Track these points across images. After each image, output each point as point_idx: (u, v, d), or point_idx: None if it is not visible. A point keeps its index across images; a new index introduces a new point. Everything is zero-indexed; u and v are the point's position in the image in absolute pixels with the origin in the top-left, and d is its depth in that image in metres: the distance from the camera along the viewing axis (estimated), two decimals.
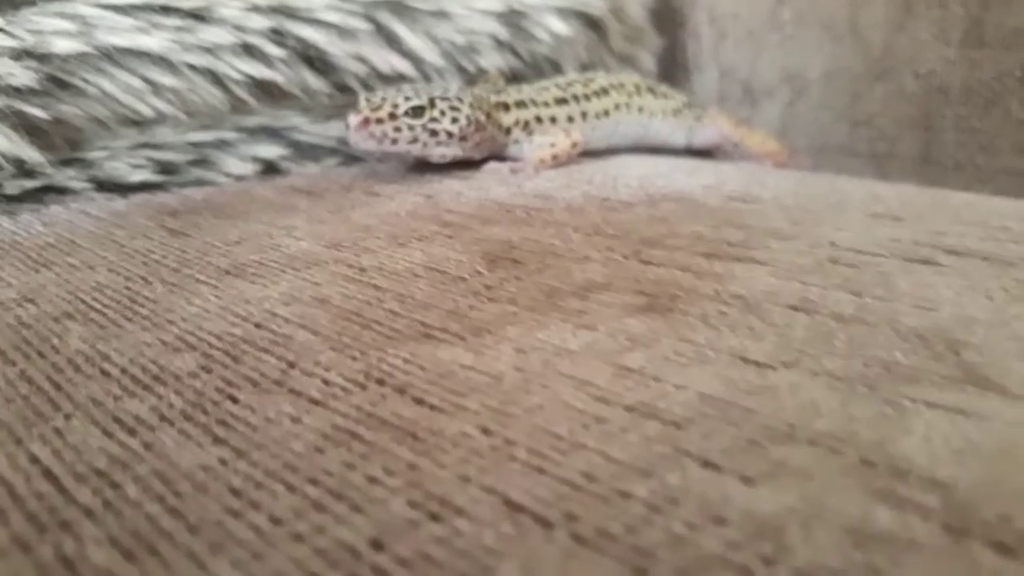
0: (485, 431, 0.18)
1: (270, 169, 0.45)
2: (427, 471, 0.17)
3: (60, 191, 0.41)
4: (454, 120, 0.43)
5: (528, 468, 0.17)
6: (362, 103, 0.41)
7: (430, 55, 0.46)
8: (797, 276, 0.28)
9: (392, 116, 0.41)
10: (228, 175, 0.43)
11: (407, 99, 0.42)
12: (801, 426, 0.18)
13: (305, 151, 0.45)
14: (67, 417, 0.20)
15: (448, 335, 0.24)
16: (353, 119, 0.40)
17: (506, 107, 0.46)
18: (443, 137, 0.43)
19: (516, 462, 0.17)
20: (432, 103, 0.42)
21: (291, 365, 0.22)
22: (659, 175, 0.43)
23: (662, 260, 0.30)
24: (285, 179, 0.44)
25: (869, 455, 0.17)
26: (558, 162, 0.46)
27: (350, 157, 0.47)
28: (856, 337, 0.23)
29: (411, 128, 0.42)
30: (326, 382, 0.21)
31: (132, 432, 0.19)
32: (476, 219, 0.35)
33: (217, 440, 0.18)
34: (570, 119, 0.47)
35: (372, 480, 0.17)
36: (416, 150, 0.43)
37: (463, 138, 0.43)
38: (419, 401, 0.20)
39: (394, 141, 0.42)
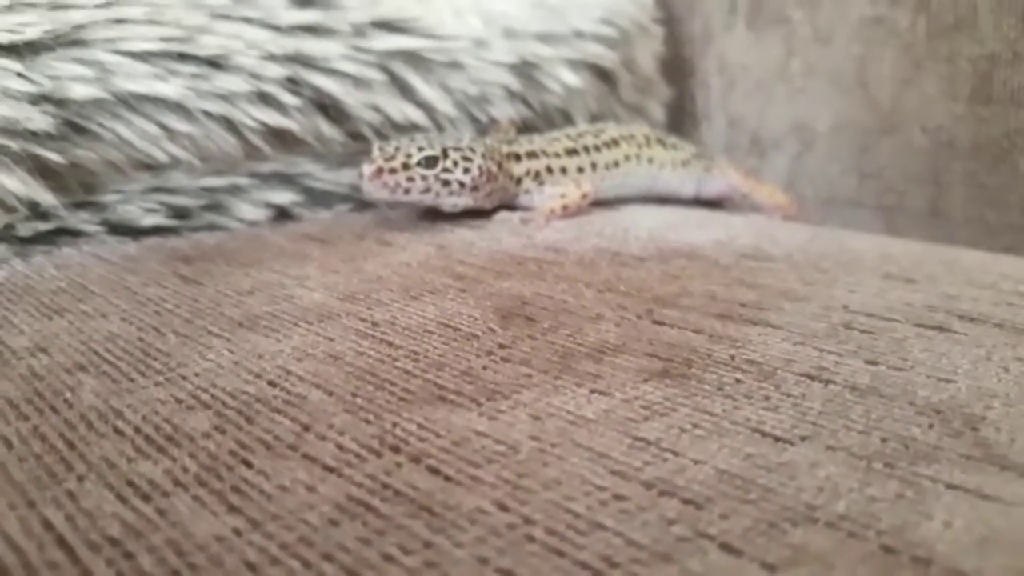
0: (502, 507, 0.18)
1: (282, 215, 0.45)
2: (444, 550, 0.17)
3: (73, 234, 0.41)
4: (466, 170, 0.43)
5: (546, 550, 0.16)
6: (375, 153, 0.42)
7: (443, 105, 0.47)
8: (811, 342, 0.28)
9: (405, 166, 0.41)
10: (241, 220, 0.43)
11: (420, 149, 0.42)
12: (821, 507, 0.18)
13: (318, 198, 0.46)
14: (80, 479, 0.20)
15: (462, 398, 0.24)
16: (367, 169, 0.41)
17: (517, 157, 0.46)
18: (455, 187, 0.43)
19: (534, 543, 0.17)
20: (445, 153, 0.42)
21: (305, 428, 0.22)
22: (669, 227, 0.43)
23: (675, 321, 0.30)
24: (297, 225, 0.44)
25: (890, 542, 0.17)
26: (568, 212, 0.46)
27: (362, 203, 0.47)
28: (872, 410, 0.23)
29: (424, 178, 0.42)
30: (340, 447, 0.21)
31: (146, 498, 0.19)
32: (488, 272, 0.36)
33: (232, 509, 0.18)
34: (580, 170, 0.48)
35: (388, 558, 0.16)
36: (428, 199, 0.43)
37: (475, 188, 0.43)
38: (434, 471, 0.20)
39: (407, 191, 0.42)
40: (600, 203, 0.49)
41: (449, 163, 0.42)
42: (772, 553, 0.16)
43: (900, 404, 0.23)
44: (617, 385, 0.24)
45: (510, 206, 0.46)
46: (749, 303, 0.31)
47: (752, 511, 0.18)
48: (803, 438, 0.21)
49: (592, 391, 0.24)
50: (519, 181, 0.46)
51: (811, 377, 0.25)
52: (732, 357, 0.27)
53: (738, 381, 0.25)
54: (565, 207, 0.46)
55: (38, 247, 0.40)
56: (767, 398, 0.24)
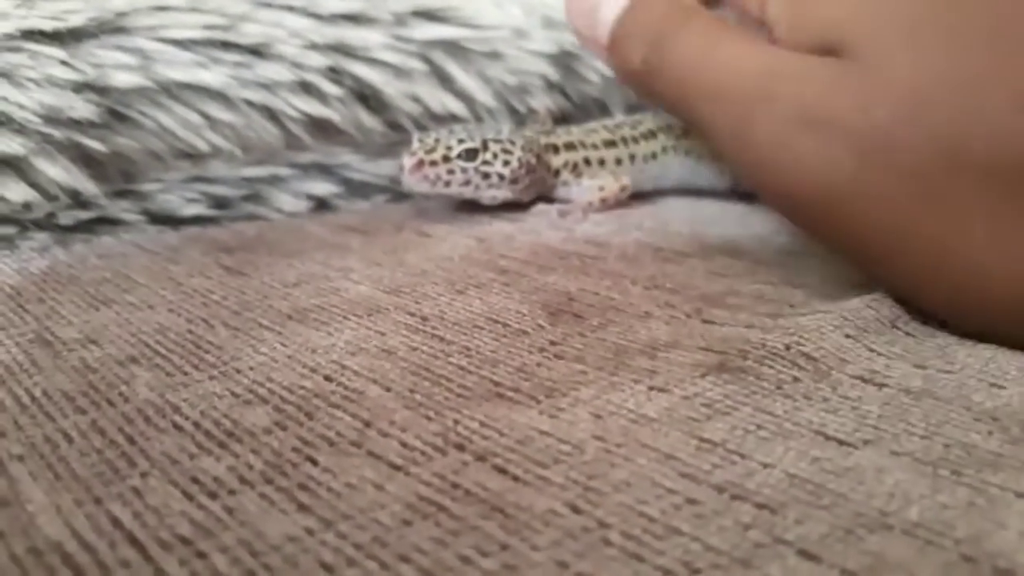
0: (575, 509, 0.18)
1: (321, 205, 0.45)
2: (521, 553, 0.16)
3: (113, 223, 0.41)
4: (506, 163, 0.43)
5: (625, 554, 0.16)
6: (416, 145, 0.42)
7: (482, 95, 0.46)
8: (862, 339, 0.27)
9: (446, 159, 0.41)
10: (280, 211, 0.43)
11: (460, 141, 0.42)
12: (894, 514, 0.18)
13: (356, 188, 0.45)
14: (143, 475, 0.20)
15: (520, 395, 0.23)
16: (407, 161, 0.41)
17: (555, 149, 0.46)
18: (495, 180, 0.43)
19: (612, 547, 0.17)
20: (485, 146, 0.42)
21: (367, 424, 0.22)
22: (709, 222, 0.43)
23: (725, 320, 0.29)
24: (336, 216, 0.44)
25: (969, 551, 0.17)
26: (607, 205, 0.46)
27: (399, 194, 0.47)
28: (930, 415, 0.22)
29: (464, 171, 0.42)
30: (404, 445, 0.21)
31: (213, 495, 0.19)
32: (531, 266, 0.35)
33: (302, 507, 0.18)
34: (618, 162, 0.47)
35: (465, 560, 0.16)
36: (468, 192, 0.43)
37: (514, 181, 0.43)
38: (502, 471, 0.19)
39: (447, 183, 0.42)
40: (637, 195, 0.48)
41: (489, 155, 0.42)
42: (851, 560, 0.16)
43: (956, 409, 0.23)
44: (675, 381, 0.24)
45: (547, 198, 0.46)
46: (797, 303, 0.31)
47: (826, 517, 0.18)
48: (866, 442, 0.21)
49: (651, 388, 0.24)
50: (557, 173, 0.46)
51: (864, 380, 0.25)
52: (787, 347, 0.26)
53: (796, 379, 0.24)
54: (604, 200, 0.46)
55: (78, 235, 0.40)
56: (826, 399, 0.23)
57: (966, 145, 0.26)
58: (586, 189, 0.46)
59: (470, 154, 0.42)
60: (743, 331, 0.28)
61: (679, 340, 0.27)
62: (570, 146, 0.46)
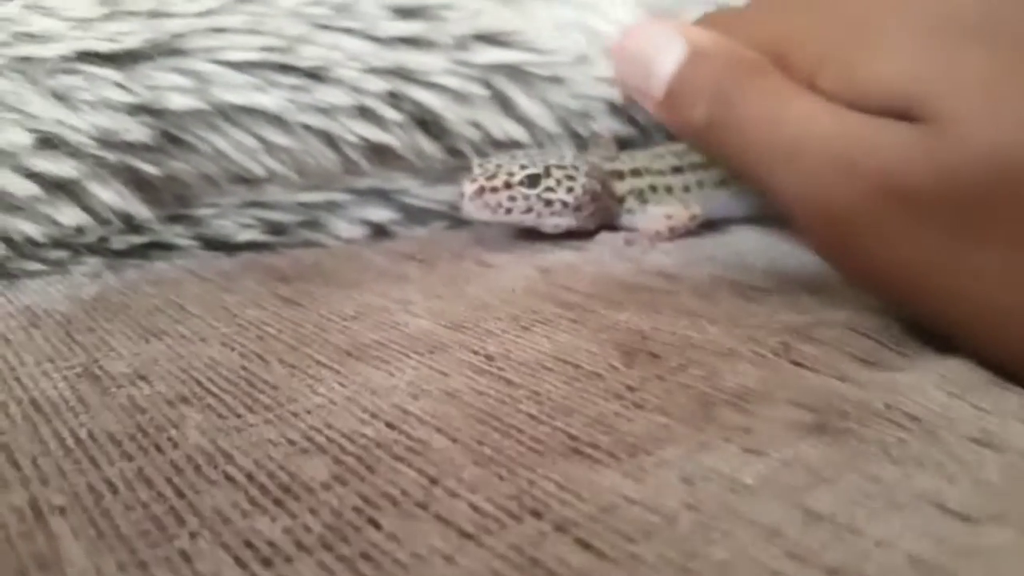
0: None
1: (379, 232, 0.43)
2: None
3: (166, 248, 0.40)
4: (569, 190, 0.41)
5: None
6: (476, 171, 0.40)
7: (544, 121, 0.45)
8: (967, 397, 0.25)
9: (507, 185, 0.40)
10: (337, 237, 0.42)
11: (522, 167, 0.40)
12: None
13: (414, 215, 0.44)
14: (193, 536, 0.18)
15: (600, 452, 0.21)
16: (468, 187, 0.39)
17: (620, 175, 0.44)
18: (558, 207, 0.41)
19: None
20: (547, 172, 0.41)
21: (433, 481, 0.20)
22: (787, 255, 0.41)
23: (816, 363, 0.27)
24: (394, 243, 0.42)
25: None
26: (675, 234, 0.44)
27: (458, 221, 0.45)
28: None
29: (526, 198, 0.40)
30: (475, 508, 0.19)
31: (267, 563, 0.17)
32: (598, 300, 0.33)
33: None
34: (686, 189, 0.45)
35: None
36: (530, 220, 0.41)
37: (578, 208, 0.41)
38: (585, 545, 0.17)
39: (508, 211, 0.40)
40: (707, 224, 0.46)
41: (552, 182, 0.41)
42: None
43: None
44: (771, 443, 0.22)
45: (612, 227, 0.44)
46: (890, 344, 0.29)
47: None
48: (992, 517, 0.19)
49: (745, 449, 0.21)
50: (622, 200, 0.44)
51: (979, 442, 0.22)
52: (888, 407, 0.24)
53: (902, 441, 0.22)
54: (672, 229, 0.44)
55: (130, 261, 0.39)
56: (940, 464, 0.21)
57: None
58: (652, 217, 0.44)
59: (532, 180, 0.40)
60: (837, 384, 0.26)
61: (770, 390, 0.25)
62: (635, 172, 0.44)
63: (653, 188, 0.45)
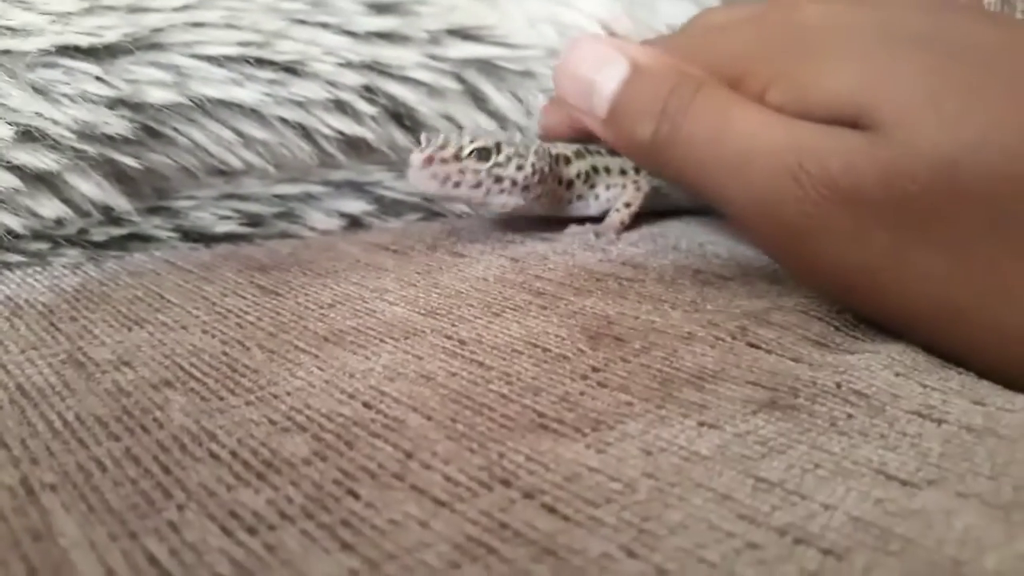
0: (630, 553, 0.17)
1: (353, 223, 0.44)
2: None
3: (145, 239, 0.41)
4: (519, 167, 0.41)
5: None
6: (424, 141, 0.40)
7: (515, 114, 0.46)
8: (913, 376, 0.27)
9: (456, 157, 0.39)
10: (313, 229, 0.43)
11: (471, 141, 0.40)
12: (968, 563, 0.17)
13: (388, 206, 0.45)
14: (180, 508, 0.19)
15: (565, 427, 0.23)
16: (416, 157, 0.38)
17: (567, 160, 0.44)
18: (507, 185, 0.41)
19: None
20: (498, 148, 0.40)
21: (408, 456, 0.21)
22: (747, 245, 0.42)
23: (772, 345, 0.28)
24: (369, 235, 0.43)
25: None
26: (633, 216, 0.45)
27: (432, 212, 0.46)
28: (995, 454, 0.22)
29: (476, 172, 0.40)
30: (448, 479, 0.20)
31: (252, 531, 0.18)
32: (567, 288, 0.35)
33: (345, 546, 0.18)
34: (623, 172, 0.46)
35: None
36: (478, 196, 0.41)
37: (526, 188, 0.41)
38: (551, 510, 0.19)
39: (456, 184, 0.40)
40: (674, 214, 0.47)
41: (502, 158, 0.40)
42: None
43: (1021, 449, 0.22)
44: (726, 417, 0.23)
45: (578, 220, 0.45)
46: (843, 326, 0.30)
47: (896, 564, 0.17)
48: (930, 482, 0.20)
49: (701, 423, 0.23)
50: (570, 185, 0.45)
51: (922, 415, 0.24)
52: (838, 385, 0.26)
53: (850, 416, 0.24)
54: (632, 215, 0.45)
55: (110, 252, 0.40)
56: (883, 436, 0.22)
57: (1008, 205, 0.25)
58: (605, 202, 0.45)
59: (482, 154, 0.40)
60: (791, 365, 0.27)
61: (727, 370, 0.26)
62: (579, 154, 0.45)
63: (595, 169, 0.45)
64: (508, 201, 0.42)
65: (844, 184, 0.27)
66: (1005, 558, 0.17)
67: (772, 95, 0.30)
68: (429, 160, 0.38)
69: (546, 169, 0.43)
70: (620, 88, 0.32)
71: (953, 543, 0.18)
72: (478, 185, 0.40)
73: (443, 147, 0.39)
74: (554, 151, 0.44)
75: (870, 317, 0.31)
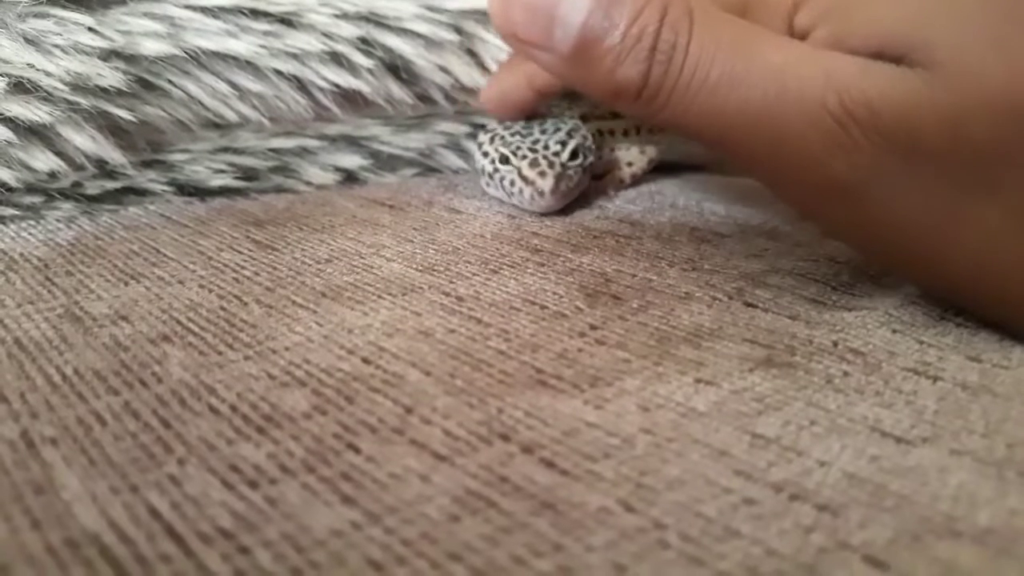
0: (628, 507, 0.17)
1: (349, 178, 0.44)
2: (575, 554, 0.16)
3: (139, 193, 0.40)
4: (591, 149, 0.40)
5: (684, 558, 0.16)
6: (519, 163, 0.37)
7: None
8: (910, 332, 0.27)
9: (564, 167, 0.38)
10: (308, 183, 0.43)
11: (561, 144, 0.38)
12: (961, 519, 0.17)
13: (384, 161, 0.45)
14: (181, 462, 0.19)
15: (564, 383, 0.23)
16: (546, 184, 0.37)
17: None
18: (589, 173, 0.40)
19: (670, 549, 0.16)
20: (571, 141, 0.39)
21: (408, 410, 0.21)
22: (745, 199, 0.42)
23: (768, 304, 0.29)
24: (365, 190, 0.43)
25: None
26: (636, 180, 0.45)
27: (427, 168, 0.46)
28: (990, 411, 0.22)
29: (578, 171, 0.39)
30: (448, 433, 0.20)
31: (253, 484, 0.18)
32: (565, 245, 0.35)
33: (346, 499, 0.18)
34: (626, 133, 0.46)
35: (519, 561, 0.16)
36: (575, 193, 0.40)
37: (589, 166, 0.41)
38: (549, 464, 0.19)
39: (570, 191, 0.38)
40: (673, 171, 0.47)
41: (585, 149, 0.39)
42: (921, 569, 0.16)
43: (1016, 406, 0.22)
44: (723, 374, 0.23)
45: None
46: (840, 285, 0.30)
47: (890, 520, 0.17)
48: (924, 439, 0.20)
49: (697, 380, 0.23)
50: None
51: (917, 372, 0.24)
52: (835, 343, 0.26)
53: (846, 374, 0.24)
54: (633, 175, 0.45)
55: (104, 206, 0.40)
56: (879, 393, 0.23)
57: None
58: (611, 163, 0.45)
59: (574, 155, 0.38)
60: (788, 323, 0.27)
61: (724, 328, 0.26)
62: (584, 119, 0.44)
63: (600, 132, 0.45)
64: (584, 183, 0.41)
65: (900, 132, 0.23)
66: (997, 514, 0.17)
67: (800, 20, 0.26)
68: (558, 179, 0.37)
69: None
70: (590, 16, 0.26)
71: (946, 500, 0.18)
72: (578, 184, 0.39)
73: (551, 164, 0.37)
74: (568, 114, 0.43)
75: (920, 282, 0.28)
